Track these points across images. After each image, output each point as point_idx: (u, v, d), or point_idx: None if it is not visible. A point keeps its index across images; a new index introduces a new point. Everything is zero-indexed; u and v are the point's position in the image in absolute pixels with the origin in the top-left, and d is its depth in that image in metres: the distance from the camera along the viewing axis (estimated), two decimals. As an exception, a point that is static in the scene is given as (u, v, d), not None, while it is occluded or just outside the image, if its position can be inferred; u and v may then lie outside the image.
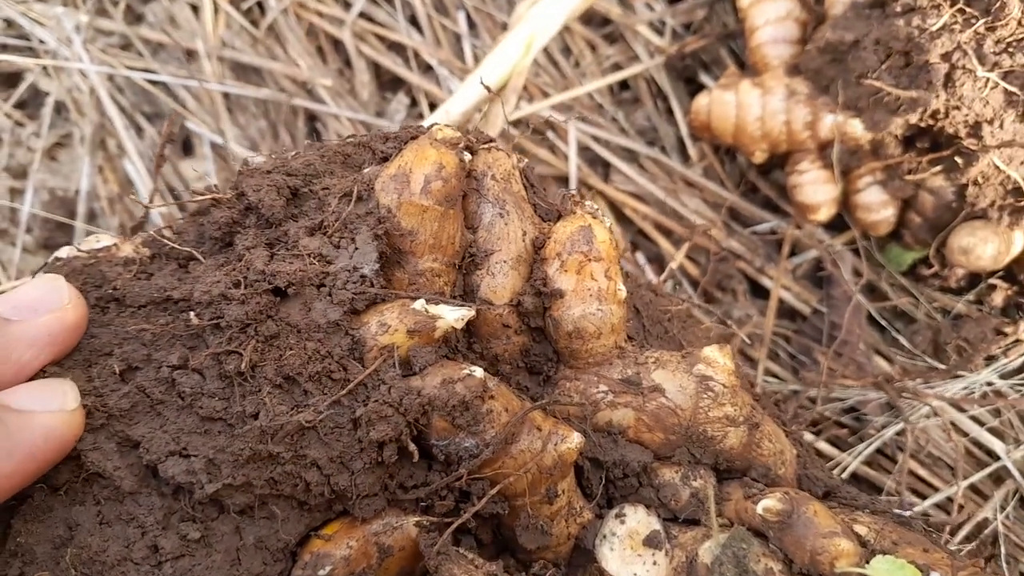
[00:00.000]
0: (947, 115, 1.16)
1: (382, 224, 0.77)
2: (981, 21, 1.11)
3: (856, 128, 1.24)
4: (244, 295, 0.71)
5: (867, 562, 0.73)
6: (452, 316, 0.75)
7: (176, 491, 0.70)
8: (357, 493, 0.71)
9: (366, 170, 0.82)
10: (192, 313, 0.73)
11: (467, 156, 0.82)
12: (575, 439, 0.75)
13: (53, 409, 0.67)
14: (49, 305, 0.74)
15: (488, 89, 1.02)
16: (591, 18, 1.56)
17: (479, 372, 0.73)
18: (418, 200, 0.77)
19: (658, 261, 1.41)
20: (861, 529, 0.78)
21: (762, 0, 1.34)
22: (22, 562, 0.68)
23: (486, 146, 0.86)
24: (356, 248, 0.76)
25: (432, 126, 0.83)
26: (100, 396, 0.72)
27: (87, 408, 0.70)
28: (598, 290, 0.81)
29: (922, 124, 1.19)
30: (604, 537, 0.80)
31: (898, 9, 1.19)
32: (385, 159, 0.84)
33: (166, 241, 0.81)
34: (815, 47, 1.25)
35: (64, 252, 0.88)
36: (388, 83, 1.59)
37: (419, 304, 0.74)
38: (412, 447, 0.72)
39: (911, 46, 1.15)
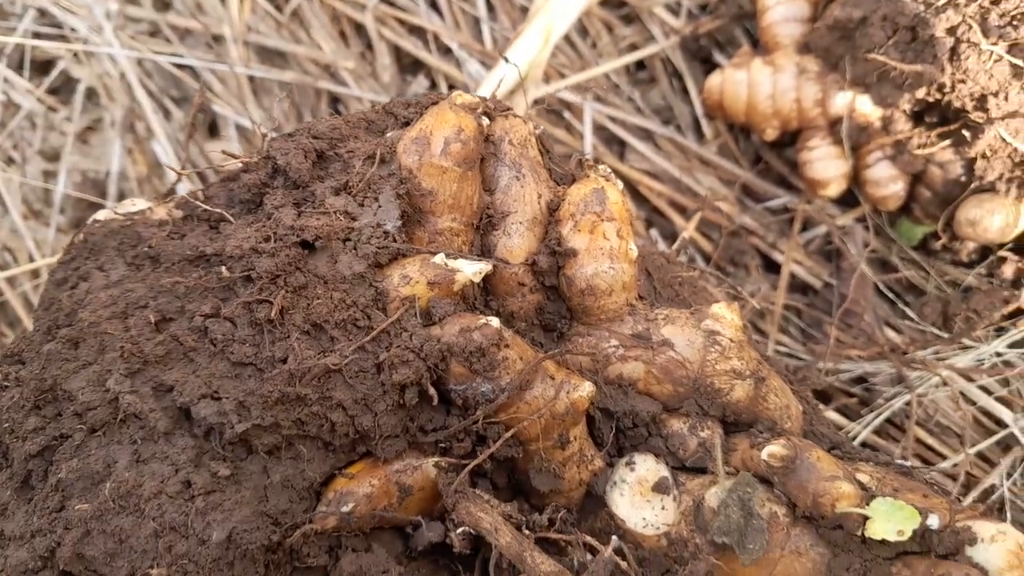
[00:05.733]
0: (953, 88, 1.18)
1: (404, 184, 0.81)
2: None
3: (866, 106, 1.26)
4: (274, 248, 0.75)
5: (867, 504, 0.76)
6: (470, 269, 0.78)
7: (207, 432, 0.74)
8: (380, 434, 0.75)
9: (389, 134, 0.86)
10: (224, 267, 0.77)
11: (485, 121, 0.85)
12: (587, 387, 0.79)
13: None
14: None
15: (505, 58, 1.05)
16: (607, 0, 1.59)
17: (495, 321, 0.76)
18: (438, 161, 0.81)
19: (672, 238, 1.44)
20: (863, 477, 0.81)
21: (774, -20, 1.36)
22: (63, 495, 0.72)
23: (503, 113, 0.90)
24: (379, 206, 0.80)
25: (452, 92, 0.86)
26: (136, 344, 0.76)
27: (124, 353, 0.75)
28: (610, 249, 0.84)
29: (929, 98, 1.21)
30: (614, 484, 0.83)
31: (906, -15, 1.22)
32: (407, 124, 0.87)
33: (198, 204, 0.86)
34: (824, 25, 1.27)
35: (101, 215, 0.93)
36: (409, 66, 1.63)
37: (439, 258, 0.78)
38: (432, 391, 0.76)
39: (917, 21, 1.17)
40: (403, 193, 0.81)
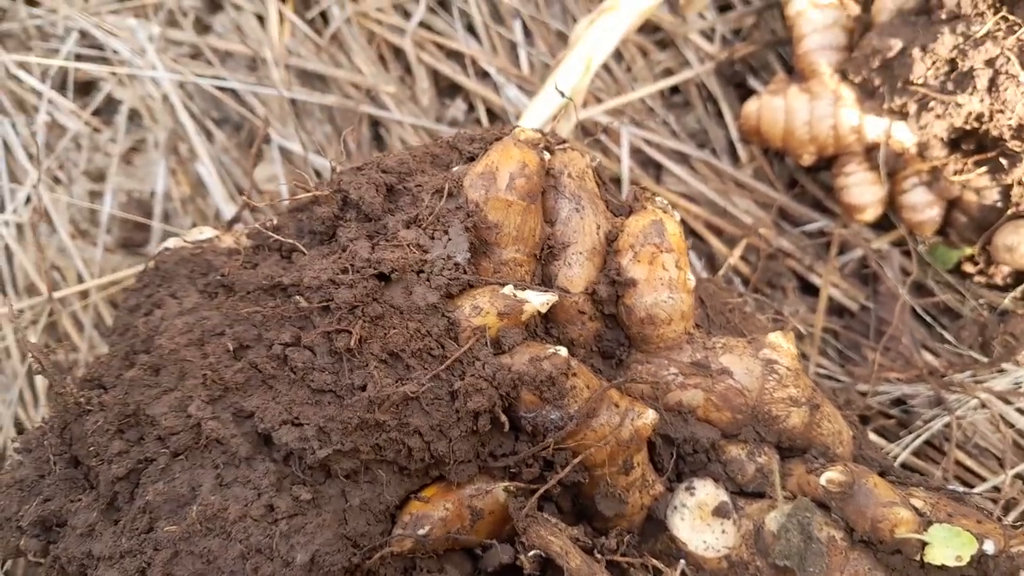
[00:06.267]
0: (991, 118, 1.21)
1: (471, 218, 0.84)
2: (1023, 28, 1.17)
3: (902, 133, 1.29)
4: (352, 280, 0.78)
5: (925, 530, 0.78)
6: (538, 300, 0.81)
7: (287, 457, 0.77)
8: (454, 459, 0.78)
9: (454, 168, 0.89)
10: (301, 297, 0.80)
11: (546, 156, 0.88)
12: (650, 415, 0.81)
13: None
14: None
15: (561, 92, 1.09)
16: (643, 26, 1.62)
17: (563, 351, 0.79)
18: (503, 196, 0.84)
19: (710, 260, 1.47)
20: (917, 502, 0.83)
21: (809, 8, 1.39)
22: (151, 517, 0.75)
23: (562, 146, 0.93)
24: (449, 239, 0.83)
25: (514, 128, 0.89)
26: (216, 371, 0.79)
27: (205, 380, 0.77)
28: (669, 279, 0.87)
29: (967, 127, 1.24)
30: (675, 508, 0.85)
31: (943, 16, 1.25)
32: (471, 159, 0.90)
33: (271, 234, 0.88)
34: (862, 54, 1.30)
35: (171, 243, 0.96)
36: (447, 89, 1.66)
37: (508, 289, 0.81)
38: (503, 418, 0.78)
39: (956, 52, 1.20)
40: (471, 226, 0.84)
